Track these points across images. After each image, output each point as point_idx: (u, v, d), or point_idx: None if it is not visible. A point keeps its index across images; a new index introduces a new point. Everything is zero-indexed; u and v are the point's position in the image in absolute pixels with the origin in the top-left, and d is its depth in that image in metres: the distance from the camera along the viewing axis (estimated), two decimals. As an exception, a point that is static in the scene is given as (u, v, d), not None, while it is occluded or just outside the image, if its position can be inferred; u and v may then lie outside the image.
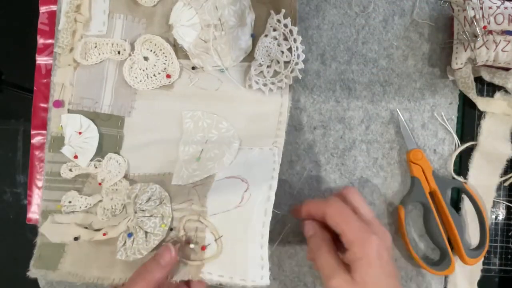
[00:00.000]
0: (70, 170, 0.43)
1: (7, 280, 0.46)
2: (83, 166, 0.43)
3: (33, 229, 0.43)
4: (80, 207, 0.42)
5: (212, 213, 0.39)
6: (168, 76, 0.43)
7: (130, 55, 0.43)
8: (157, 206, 0.40)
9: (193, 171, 0.42)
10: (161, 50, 0.43)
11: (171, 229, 0.40)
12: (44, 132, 0.45)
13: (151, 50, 0.43)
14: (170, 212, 0.40)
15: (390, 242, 0.39)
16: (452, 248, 0.45)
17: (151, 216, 0.40)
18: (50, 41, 0.45)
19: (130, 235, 0.39)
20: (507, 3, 0.43)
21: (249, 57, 0.44)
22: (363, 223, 0.38)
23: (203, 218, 0.39)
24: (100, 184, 0.43)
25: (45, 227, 0.42)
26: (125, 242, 0.39)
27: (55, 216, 0.42)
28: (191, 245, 0.38)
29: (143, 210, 0.40)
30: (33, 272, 0.41)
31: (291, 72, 0.43)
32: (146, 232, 0.39)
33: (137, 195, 0.41)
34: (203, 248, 0.38)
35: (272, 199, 0.38)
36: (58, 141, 0.43)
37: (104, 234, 0.40)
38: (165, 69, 0.44)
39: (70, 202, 0.43)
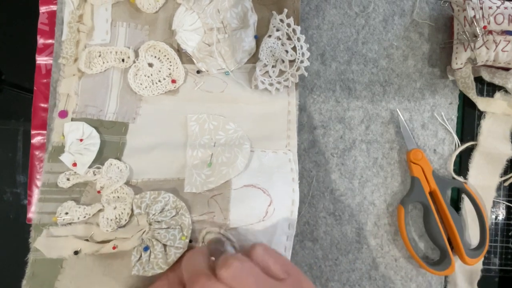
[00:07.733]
0: (68, 179, 0.41)
1: (7, 280, 0.46)
2: (81, 174, 0.41)
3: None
4: (79, 218, 0.40)
5: (234, 226, 0.39)
6: (173, 81, 0.43)
7: (134, 62, 0.43)
8: (174, 216, 0.39)
9: (207, 178, 0.41)
10: (165, 55, 0.43)
11: (190, 241, 0.38)
12: (44, 132, 0.45)
13: (155, 56, 0.43)
14: (190, 223, 0.39)
15: None
16: (452, 248, 0.45)
17: (168, 228, 0.38)
18: (50, 41, 0.45)
19: (146, 248, 0.37)
20: (507, 3, 0.43)
21: (253, 58, 0.44)
22: None
23: (224, 230, 0.38)
24: (99, 192, 0.41)
25: (40, 241, 0.39)
26: (141, 256, 0.37)
27: (50, 229, 0.39)
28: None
29: (158, 222, 0.38)
30: None
31: (297, 70, 0.43)
32: (164, 245, 0.37)
33: (148, 205, 0.39)
34: None
35: (295, 214, 0.40)
36: (58, 151, 0.42)
37: (114, 248, 0.38)
38: (170, 74, 0.43)
39: (66, 213, 0.40)
